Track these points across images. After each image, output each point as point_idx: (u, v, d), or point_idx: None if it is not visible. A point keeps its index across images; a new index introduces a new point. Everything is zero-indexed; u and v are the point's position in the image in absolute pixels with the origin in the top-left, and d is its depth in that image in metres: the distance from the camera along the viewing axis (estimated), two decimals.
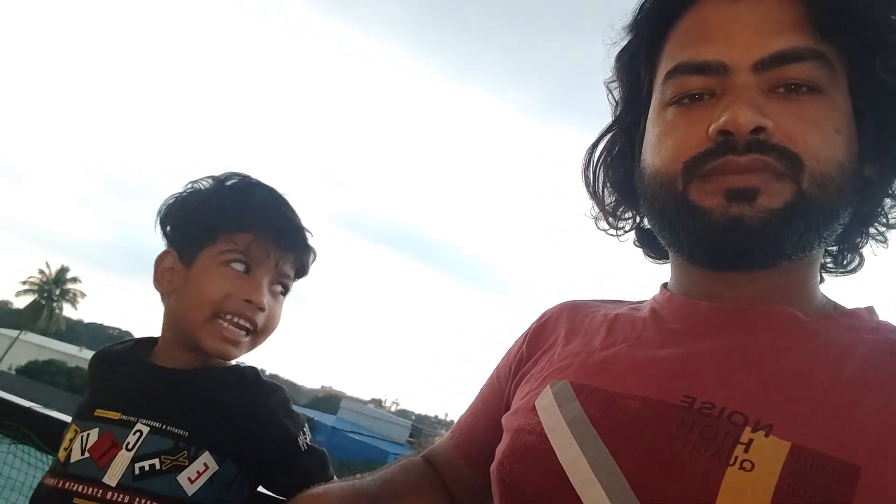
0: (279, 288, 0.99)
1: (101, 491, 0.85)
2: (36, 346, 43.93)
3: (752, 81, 0.62)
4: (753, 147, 0.60)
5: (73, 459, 0.89)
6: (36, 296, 46.58)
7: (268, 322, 0.97)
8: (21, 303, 47.70)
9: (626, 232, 0.84)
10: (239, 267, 0.94)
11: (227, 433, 0.90)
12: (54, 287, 46.92)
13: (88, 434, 0.90)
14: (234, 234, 0.95)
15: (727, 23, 0.64)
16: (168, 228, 1.01)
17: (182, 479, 0.85)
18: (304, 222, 1.03)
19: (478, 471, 0.81)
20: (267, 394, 0.96)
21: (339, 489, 0.77)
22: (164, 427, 0.88)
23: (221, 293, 0.93)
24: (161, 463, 0.86)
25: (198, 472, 0.86)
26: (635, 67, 0.76)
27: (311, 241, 1.03)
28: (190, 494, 0.85)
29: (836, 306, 0.69)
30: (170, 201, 1.02)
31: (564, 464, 0.60)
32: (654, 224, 0.73)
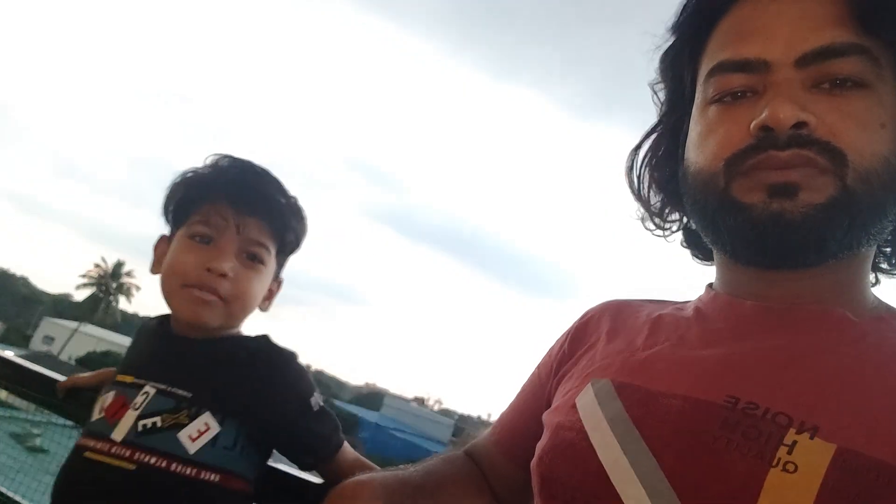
0: (248, 256, 0.99)
1: (108, 446, 0.90)
2: (94, 337, 45.73)
3: (794, 77, 0.61)
4: (795, 142, 0.59)
5: (92, 419, 0.97)
6: (94, 289, 48.52)
7: (236, 290, 0.97)
8: (80, 296, 49.80)
9: (673, 232, 0.84)
10: (202, 238, 0.97)
11: (230, 394, 0.93)
12: (111, 281, 48.77)
13: (106, 397, 0.97)
14: (199, 207, 0.98)
15: (768, 20, 0.64)
16: (163, 213, 1.06)
17: (182, 436, 0.89)
18: (278, 190, 1.02)
19: (518, 466, 0.82)
20: (276, 358, 0.98)
21: (383, 477, 0.79)
22: (168, 389, 0.93)
23: (185, 265, 0.96)
24: (162, 421, 0.90)
25: (199, 430, 0.90)
26: (678, 68, 0.76)
27: (287, 208, 1.02)
28: (191, 453, 0.89)
29: (888, 308, 0.67)
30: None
31: (605, 462, 0.60)
32: (697, 223, 0.73)
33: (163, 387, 0.93)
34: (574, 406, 0.68)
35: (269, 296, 1.07)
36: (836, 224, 0.59)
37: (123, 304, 51.29)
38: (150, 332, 1.07)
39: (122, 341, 45.63)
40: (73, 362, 33.46)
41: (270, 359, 0.98)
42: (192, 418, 0.90)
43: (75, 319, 48.56)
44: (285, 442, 0.97)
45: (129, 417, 0.92)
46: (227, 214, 0.96)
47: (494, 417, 0.96)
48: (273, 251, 1.02)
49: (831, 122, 0.60)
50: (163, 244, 1.04)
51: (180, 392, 0.92)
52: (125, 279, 49.72)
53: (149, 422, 0.90)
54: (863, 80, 0.61)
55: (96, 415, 0.97)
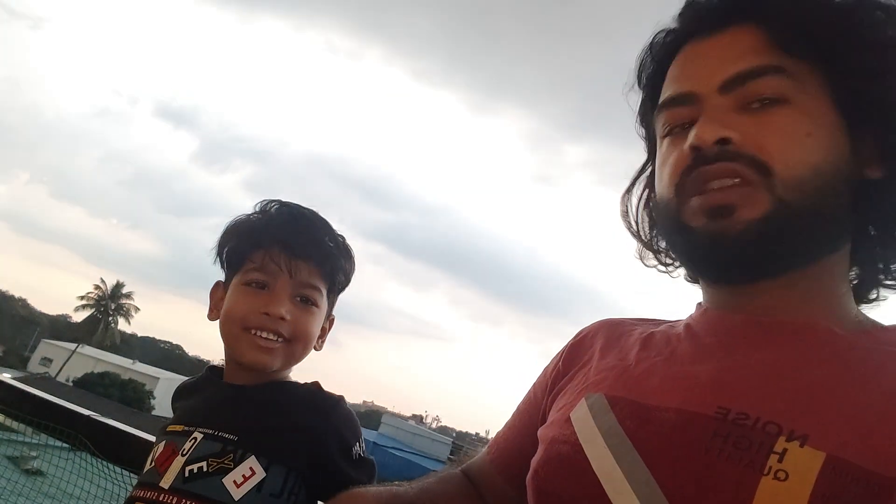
0: (302, 299, 1.02)
1: (156, 494, 0.90)
2: (92, 358, 45.43)
3: (721, 103, 0.68)
4: (722, 157, 0.65)
5: (144, 471, 0.97)
6: (93, 310, 48.29)
7: (295, 331, 1.00)
8: (79, 317, 49.52)
9: (676, 268, 0.85)
10: (258, 284, 1.00)
11: (276, 438, 0.93)
12: (110, 302, 48.56)
13: (158, 447, 0.98)
14: (252, 254, 1.01)
15: (699, 59, 0.71)
16: (217, 260, 1.09)
17: (227, 482, 0.88)
18: (326, 233, 1.05)
19: (514, 485, 0.82)
20: (324, 403, 0.99)
21: (377, 492, 0.80)
22: (216, 433, 0.93)
23: (243, 310, 0.99)
24: (208, 465, 0.90)
25: (243, 475, 0.89)
26: (647, 116, 0.83)
27: (336, 250, 1.05)
28: (236, 499, 0.87)
29: (874, 323, 0.68)
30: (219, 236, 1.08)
31: (599, 473, 0.61)
32: (667, 247, 0.79)
33: (210, 431, 0.94)
34: (568, 420, 0.69)
35: (322, 334, 1.10)
36: (778, 235, 0.63)
37: (122, 325, 51.08)
38: (198, 384, 1.09)
39: (120, 362, 45.41)
40: (70, 383, 33.24)
41: (317, 404, 0.99)
42: (237, 462, 0.90)
43: (73, 341, 48.28)
44: (322, 486, 0.96)
45: (177, 464, 0.92)
46: (279, 260, 0.99)
47: (492, 435, 0.96)
48: (325, 291, 1.05)
49: (756, 136, 0.65)
50: (219, 290, 1.08)
51: (227, 435, 0.93)
52: (124, 300, 49.52)
53: (195, 466, 0.91)
54: (784, 95, 0.66)
55: (148, 465, 0.98)
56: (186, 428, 0.97)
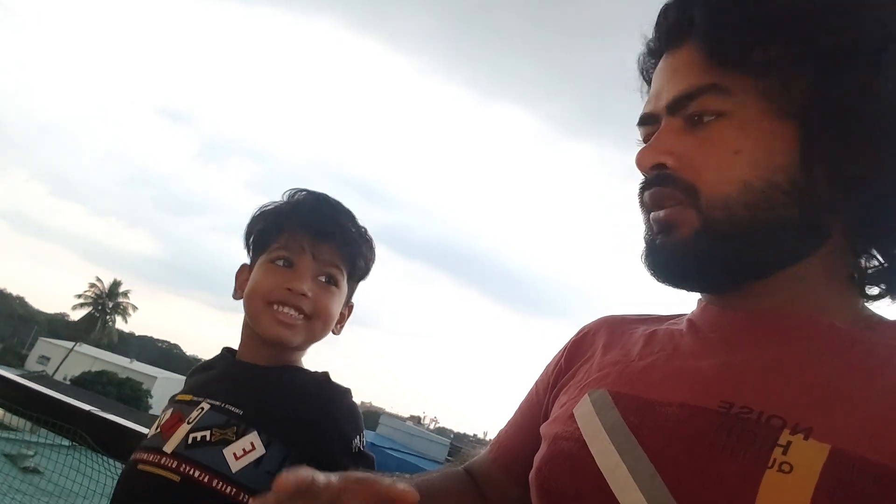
0: (324, 278, 1.07)
1: (158, 457, 0.93)
2: (89, 357, 45.43)
3: (671, 123, 0.70)
4: (656, 182, 0.70)
5: (149, 436, 1.01)
6: (90, 309, 48.26)
7: (316, 308, 1.04)
8: (76, 315, 49.48)
9: None
10: (281, 262, 1.05)
11: (280, 418, 0.96)
12: (108, 300, 48.53)
13: (165, 414, 1.02)
14: (278, 236, 1.07)
15: (657, 79, 0.74)
16: (245, 245, 1.15)
17: (227, 453, 0.91)
18: (349, 219, 1.11)
19: (516, 483, 0.82)
20: (331, 393, 1.03)
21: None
22: (222, 405, 0.97)
23: (268, 286, 1.04)
24: (211, 435, 0.93)
25: (244, 449, 0.92)
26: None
27: (357, 236, 1.11)
28: (234, 471, 0.90)
29: (880, 319, 0.69)
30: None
31: (603, 469, 0.61)
32: None
33: (217, 403, 0.98)
34: (572, 416, 0.70)
35: (341, 319, 1.14)
36: (711, 250, 0.66)
37: (120, 323, 51.03)
38: (213, 362, 1.14)
39: (117, 361, 45.39)
40: (67, 382, 33.20)
41: (323, 392, 1.02)
42: (240, 436, 0.93)
43: (71, 339, 48.25)
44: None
45: (182, 431, 0.95)
46: (303, 241, 1.05)
47: (491, 436, 0.97)
48: (345, 275, 1.09)
49: (690, 158, 0.67)
50: (244, 272, 1.13)
51: (232, 409, 0.96)
52: (121, 299, 49.49)
53: (199, 434, 0.94)
54: (721, 111, 0.67)
55: (153, 431, 1.01)
56: (195, 398, 1.00)
